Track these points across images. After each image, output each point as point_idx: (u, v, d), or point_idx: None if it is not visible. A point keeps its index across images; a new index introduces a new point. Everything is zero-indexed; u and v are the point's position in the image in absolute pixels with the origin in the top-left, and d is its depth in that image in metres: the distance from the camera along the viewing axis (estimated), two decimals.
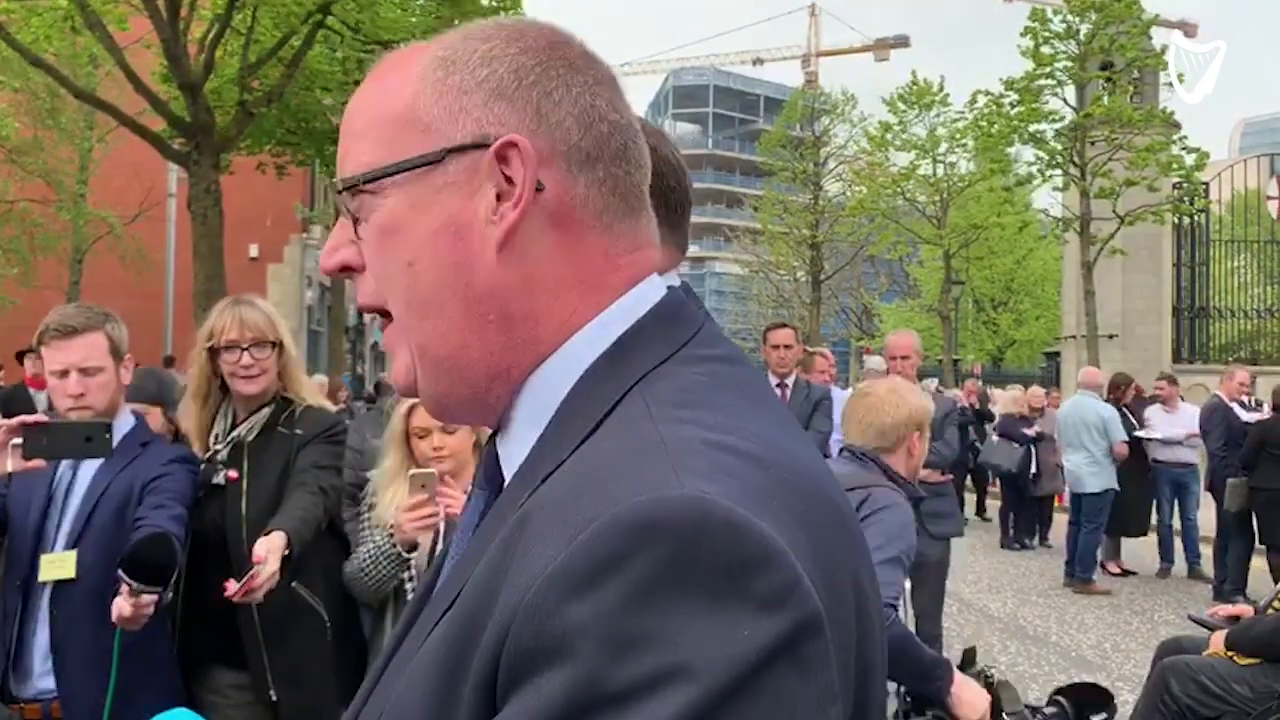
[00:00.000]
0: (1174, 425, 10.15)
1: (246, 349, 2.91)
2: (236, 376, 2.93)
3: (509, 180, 0.76)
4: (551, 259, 0.78)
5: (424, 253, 0.78)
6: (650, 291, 0.81)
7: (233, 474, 2.87)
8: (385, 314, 0.82)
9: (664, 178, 1.47)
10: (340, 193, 0.81)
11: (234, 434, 2.95)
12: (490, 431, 0.86)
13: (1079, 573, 9.68)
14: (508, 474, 0.80)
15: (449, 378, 0.80)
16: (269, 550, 2.49)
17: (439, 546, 2.96)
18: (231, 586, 2.43)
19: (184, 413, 3.04)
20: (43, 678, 2.58)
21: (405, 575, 2.94)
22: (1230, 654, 4.21)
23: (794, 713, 0.57)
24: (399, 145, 0.78)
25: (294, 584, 2.70)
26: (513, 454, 0.80)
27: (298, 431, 2.94)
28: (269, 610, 2.70)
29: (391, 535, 2.84)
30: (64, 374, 2.66)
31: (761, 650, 0.57)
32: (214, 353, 2.94)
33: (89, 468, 2.70)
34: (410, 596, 2.90)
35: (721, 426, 0.69)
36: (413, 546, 2.84)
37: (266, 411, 2.97)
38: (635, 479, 0.63)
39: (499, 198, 0.76)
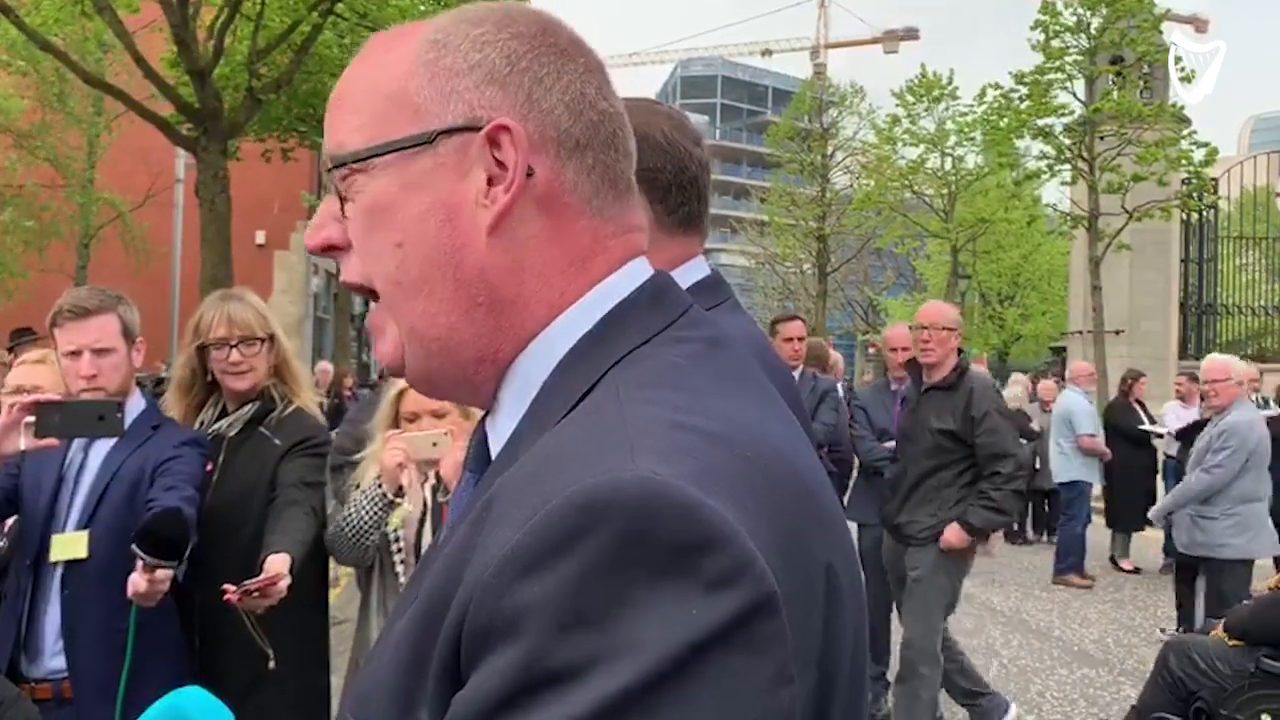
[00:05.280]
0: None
1: (235, 346, 2.92)
2: (226, 373, 2.95)
3: (499, 164, 0.77)
4: (540, 243, 0.79)
5: (414, 233, 0.78)
6: (636, 274, 0.82)
7: (207, 466, 2.88)
8: (372, 292, 0.82)
9: (647, 160, 1.46)
10: (330, 170, 0.81)
11: (217, 425, 2.97)
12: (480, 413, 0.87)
13: (1056, 565, 9.72)
14: (495, 455, 0.81)
15: (438, 358, 0.81)
16: (282, 567, 2.50)
17: (428, 518, 2.98)
18: (230, 590, 2.41)
19: (167, 404, 3.05)
20: (54, 657, 2.59)
21: (394, 547, 2.94)
22: (1225, 635, 4.42)
23: (740, 692, 0.58)
24: (390, 125, 0.79)
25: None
26: (500, 435, 0.81)
27: (276, 440, 2.94)
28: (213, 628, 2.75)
29: (378, 479, 2.82)
30: (77, 354, 2.68)
31: (708, 630, 0.57)
32: (202, 349, 2.96)
33: (100, 449, 2.71)
34: (398, 570, 2.91)
35: (688, 407, 0.69)
36: (399, 490, 2.83)
37: (250, 409, 2.98)
38: (591, 460, 0.63)
39: (489, 181, 0.77)
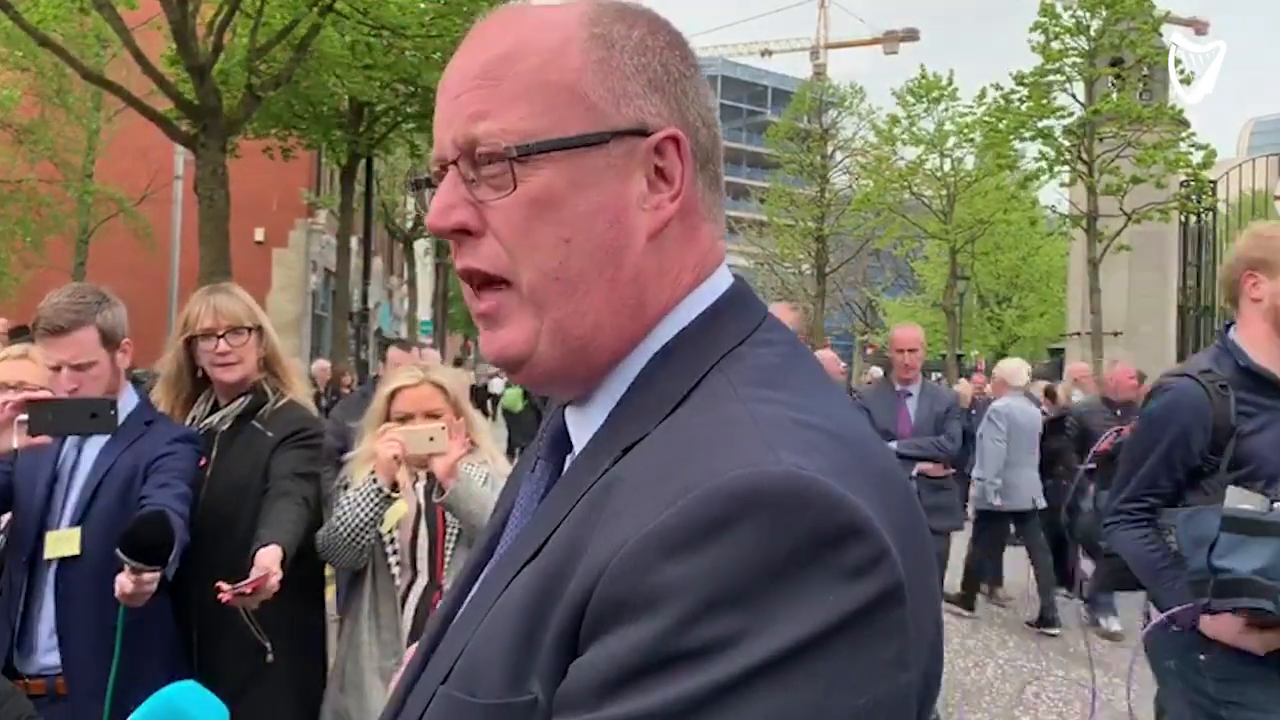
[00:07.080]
0: None
1: (222, 336, 2.92)
2: (215, 365, 2.94)
3: (658, 171, 0.80)
4: (678, 249, 0.82)
5: (582, 231, 0.78)
6: (724, 279, 0.86)
7: (201, 461, 2.86)
8: (499, 281, 0.80)
9: None
10: (479, 153, 0.78)
11: (208, 420, 2.97)
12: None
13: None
14: (577, 444, 0.84)
15: (574, 355, 0.81)
16: (273, 562, 2.50)
17: (422, 519, 2.96)
18: (225, 589, 2.40)
19: (156, 399, 3.04)
20: (48, 654, 2.59)
21: (389, 549, 2.91)
22: None
23: (865, 674, 0.61)
24: (565, 120, 0.78)
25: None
26: (587, 425, 0.83)
27: (269, 433, 2.93)
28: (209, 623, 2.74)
29: (373, 474, 2.81)
30: (57, 369, 2.67)
31: (842, 615, 0.61)
32: (190, 342, 2.95)
33: (94, 446, 2.71)
34: (393, 572, 2.89)
35: (802, 406, 0.73)
36: (395, 485, 2.81)
37: (241, 402, 2.97)
38: (733, 453, 0.66)
39: (648, 186, 0.80)
